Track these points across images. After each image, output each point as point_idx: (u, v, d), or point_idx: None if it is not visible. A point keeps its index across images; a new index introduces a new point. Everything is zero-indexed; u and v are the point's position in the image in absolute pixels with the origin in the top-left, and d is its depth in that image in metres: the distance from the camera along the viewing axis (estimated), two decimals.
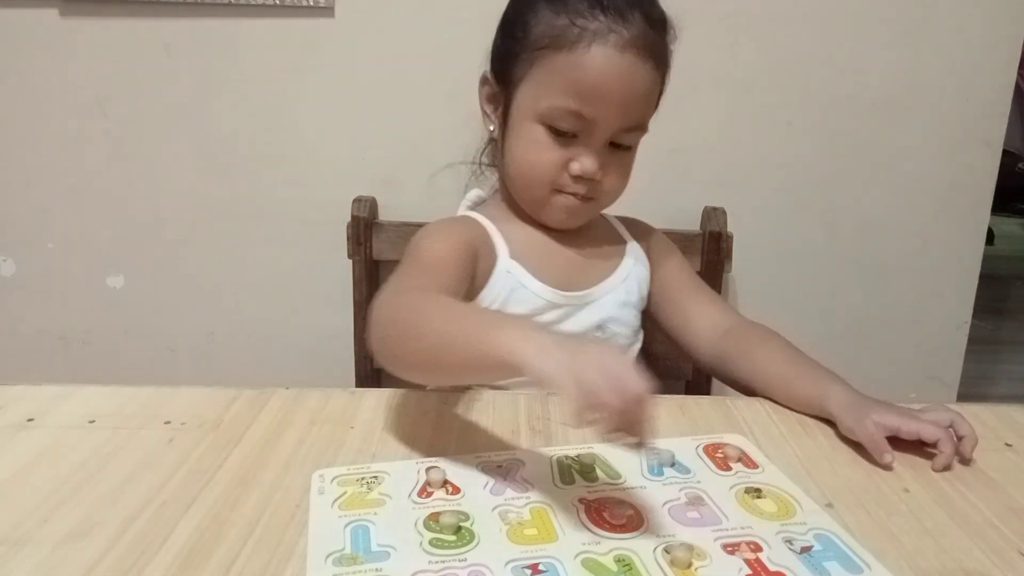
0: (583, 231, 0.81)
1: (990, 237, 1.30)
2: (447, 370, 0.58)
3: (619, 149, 0.75)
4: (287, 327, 1.24)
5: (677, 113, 1.13)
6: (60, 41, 1.12)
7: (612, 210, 0.84)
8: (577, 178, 0.74)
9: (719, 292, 1.11)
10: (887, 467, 0.60)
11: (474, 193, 0.86)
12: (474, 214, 0.81)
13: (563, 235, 0.80)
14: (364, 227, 1.10)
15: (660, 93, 0.76)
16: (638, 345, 0.85)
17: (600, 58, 0.69)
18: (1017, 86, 1.19)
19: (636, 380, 0.45)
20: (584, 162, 0.72)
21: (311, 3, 1.10)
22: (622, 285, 0.82)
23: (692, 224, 1.14)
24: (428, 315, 0.58)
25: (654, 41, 0.71)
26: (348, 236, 1.10)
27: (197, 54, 1.13)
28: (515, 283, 0.77)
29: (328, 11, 1.10)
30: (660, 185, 1.15)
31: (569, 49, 0.69)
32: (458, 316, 0.57)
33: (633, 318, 0.83)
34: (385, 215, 1.14)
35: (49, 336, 1.25)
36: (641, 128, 0.75)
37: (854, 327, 1.23)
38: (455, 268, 0.71)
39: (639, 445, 0.49)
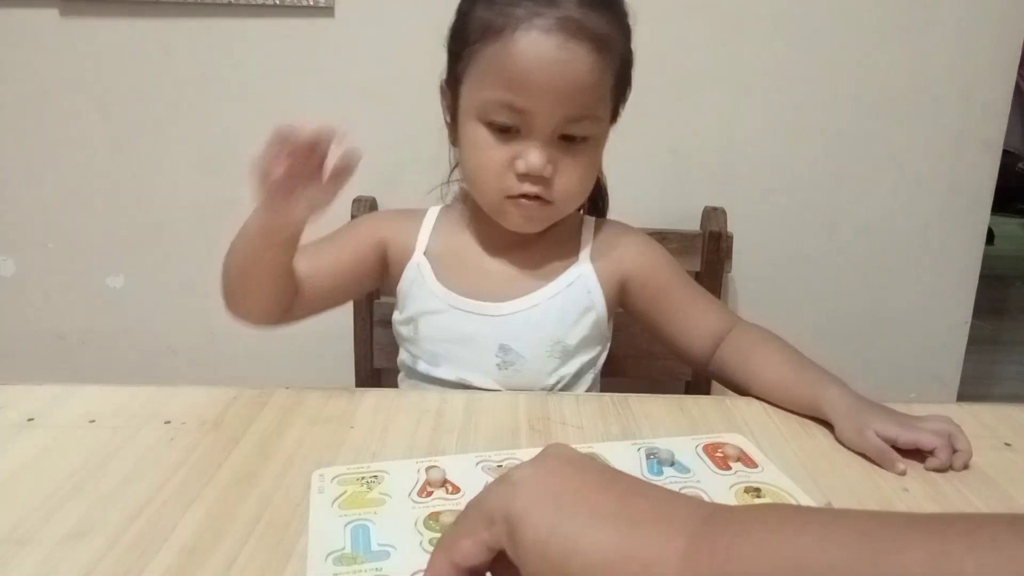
0: (529, 245, 0.77)
1: (990, 237, 1.30)
2: (244, 255, 0.74)
3: (573, 143, 0.70)
4: (287, 327, 1.23)
5: (677, 113, 1.14)
6: (60, 41, 1.12)
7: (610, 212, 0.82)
8: (524, 176, 0.70)
9: (719, 292, 1.11)
10: (901, 474, 0.59)
11: (457, 187, 0.86)
12: (434, 209, 0.84)
13: (500, 246, 0.78)
14: None
15: (618, 79, 0.72)
16: (597, 369, 0.82)
17: (524, 42, 0.66)
18: (1017, 86, 1.19)
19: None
20: (529, 158, 0.69)
21: (311, 3, 1.10)
22: (544, 304, 0.76)
23: (692, 224, 1.14)
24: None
25: (590, 22, 0.67)
26: None
27: (197, 54, 1.13)
28: (418, 278, 0.79)
29: (328, 11, 1.10)
30: (660, 185, 1.15)
31: (495, 38, 0.67)
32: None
33: (550, 346, 0.76)
34: None
35: (49, 336, 1.25)
36: (591, 117, 0.70)
37: (854, 327, 1.23)
38: (345, 249, 0.79)
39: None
